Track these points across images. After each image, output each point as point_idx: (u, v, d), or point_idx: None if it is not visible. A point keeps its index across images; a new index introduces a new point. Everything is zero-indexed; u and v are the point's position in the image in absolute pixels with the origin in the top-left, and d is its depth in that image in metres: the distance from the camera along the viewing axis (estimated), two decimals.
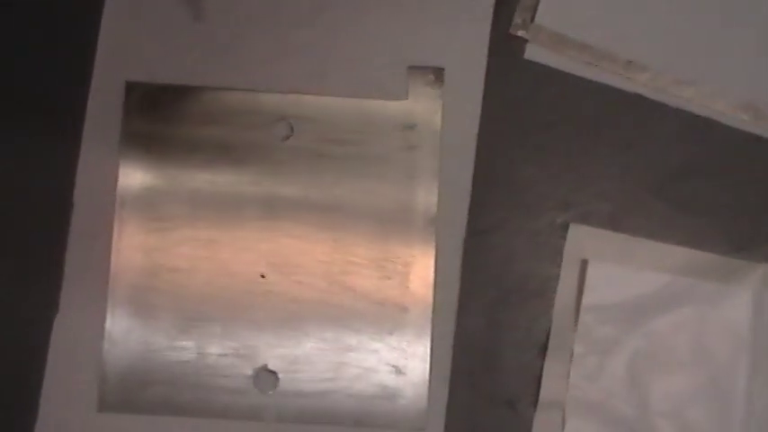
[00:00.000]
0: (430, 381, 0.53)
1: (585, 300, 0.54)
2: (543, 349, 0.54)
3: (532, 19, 0.56)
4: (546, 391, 0.54)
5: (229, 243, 0.54)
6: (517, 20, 0.56)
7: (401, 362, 0.53)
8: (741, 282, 0.55)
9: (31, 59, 0.55)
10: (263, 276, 0.54)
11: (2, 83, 0.55)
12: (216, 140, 0.55)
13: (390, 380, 0.53)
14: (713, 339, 0.54)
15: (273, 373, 0.53)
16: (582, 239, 0.55)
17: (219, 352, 0.53)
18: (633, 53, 0.56)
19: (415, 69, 0.56)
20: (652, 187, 0.56)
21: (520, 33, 0.56)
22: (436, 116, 0.55)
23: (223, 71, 0.55)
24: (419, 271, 0.54)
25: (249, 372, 0.53)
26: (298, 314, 0.54)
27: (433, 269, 0.54)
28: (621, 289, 0.55)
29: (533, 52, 0.56)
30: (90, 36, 0.55)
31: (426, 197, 0.55)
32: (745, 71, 0.56)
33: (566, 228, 0.55)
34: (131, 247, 0.54)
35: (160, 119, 0.55)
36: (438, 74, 0.56)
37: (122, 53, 0.55)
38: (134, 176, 0.54)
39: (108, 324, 0.53)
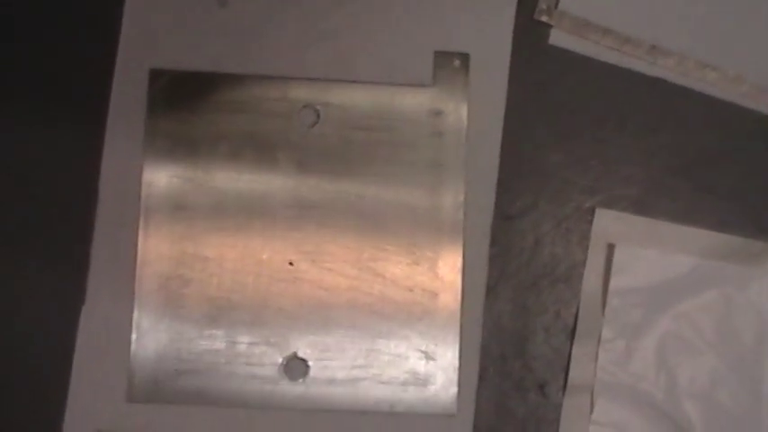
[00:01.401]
0: (460, 366, 0.53)
1: (612, 284, 0.55)
2: (572, 334, 0.55)
3: (556, 5, 0.56)
4: (575, 376, 0.54)
5: (257, 231, 0.54)
6: (541, 5, 0.56)
7: (431, 347, 0.53)
8: (766, 264, 0.55)
9: (55, 47, 0.55)
10: (291, 264, 0.54)
11: (25, 72, 0.54)
12: (242, 128, 0.54)
13: (421, 366, 0.53)
14: (739, 321, 0.55)
15: (303, 360, 0.53)
16: (608, 224, 0.55)
17: (249, 340, 0.53)
18: (657, 38, 0.56)
19: (440, 55, 0.55)
20: (677, 171, 0.56)
21: (544, 19, 0.56)
22: (462, 102, 0.55)
23: (248, 58, 0.55)
24: (448, 256, 0.54)
25: (279, 360, 0.53)
26: (327, 301, 0.53)
27: (461, 254, 0.54)
28: (648, 272, 0.55)
29: (558, 38, 0.56)
30: (113, 23, 0.55)
31: (454, 183, 0.54)
32: None
33: (592, 212, 0.56)
34: (158, 236, 0.53)
35: (185, 106, 0.54)
36: (464, 59, 0.56)
37: (146, 40, 0.55)
38: (159, 165, 0.54)
39: (136, 314, 0.53)
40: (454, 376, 0.53)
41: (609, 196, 0.56)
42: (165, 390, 0.53)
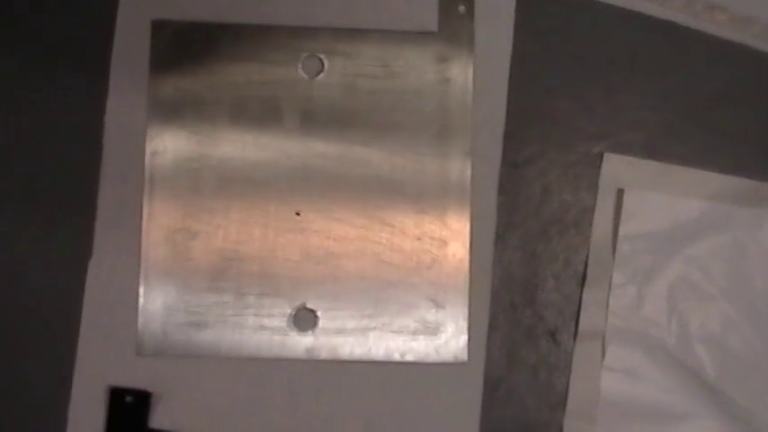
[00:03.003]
0: (470, 314, 0.53)
1: (623, 229, 0.54)
2: (582, 280, 0.54)
3: None
4: (586, 322, 0.54)
5: (263, 182, 0.53)
6: None
7: (441, 296, 0.53)
8: None
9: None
10: (298, 214, 0.53)
11: (26, 25, 0.54)
12: (247, 79, 0.54)
13: (431, 314, 0.53)
14: (751, 265, 0.54)
15: (312, 311, 0.53)
16: (617, 168, 0.55)
17: (258, 292, 0.53)
18: None
19: (445, 0, 0.55)
20: (687, 114, 0.55)
21: None
22: (468, 48, 0.54)
23: (252, 7, 0.54)
24: (456, 205, 0.54)
25: (288, 311, 0.53)
26: (335, 251, 0.53)
27: (469, 203, 0.54)
28: (658, 217, 0.55)
29: None
30: None
31: (461, 131, 0.54)
32: None
33: (600, 158, 0.55)
34: (163, 188, 0.53)
35: (188, 58, 0.54)
36: (469, 4, 0.55)
37: None
38: (164, 117, 0.53)
39: (143, 267, 0.52)
40: (464, 324, 0.53)
41: (617, 142, 0.55)
42: (174, 343, 0.52)
